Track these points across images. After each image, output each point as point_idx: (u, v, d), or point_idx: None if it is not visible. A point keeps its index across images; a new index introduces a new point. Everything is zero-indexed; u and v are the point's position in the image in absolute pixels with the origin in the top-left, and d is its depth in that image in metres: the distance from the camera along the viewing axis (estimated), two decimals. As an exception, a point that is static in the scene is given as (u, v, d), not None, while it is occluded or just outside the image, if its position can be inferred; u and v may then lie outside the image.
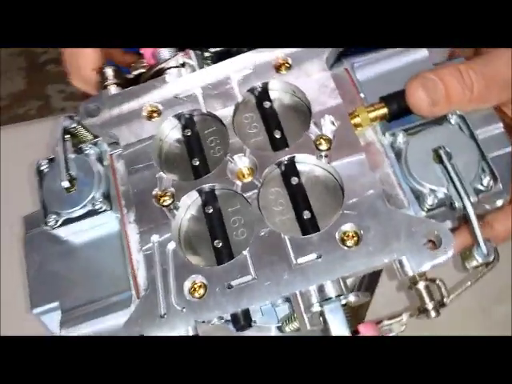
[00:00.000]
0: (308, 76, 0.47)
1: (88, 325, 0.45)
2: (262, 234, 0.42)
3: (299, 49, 0.47)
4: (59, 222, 0.47)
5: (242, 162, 0.45)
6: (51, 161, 0.50)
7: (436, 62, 0.49)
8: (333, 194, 0.44)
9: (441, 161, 0.42)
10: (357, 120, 0.45)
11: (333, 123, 0.44)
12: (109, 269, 0.47)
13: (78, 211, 0.47)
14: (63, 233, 0.48)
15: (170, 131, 0.49)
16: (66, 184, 0.47)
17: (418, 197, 0.42)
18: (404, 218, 0.40)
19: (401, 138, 0.44)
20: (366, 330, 0.37)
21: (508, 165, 0.45)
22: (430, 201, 0.42)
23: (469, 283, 0.41)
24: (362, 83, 0.49)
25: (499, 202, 0.46)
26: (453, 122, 0.44)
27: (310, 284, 0.40)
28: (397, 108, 0.44)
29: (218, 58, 0.52)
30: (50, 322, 0.47)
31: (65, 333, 0.45)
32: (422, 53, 0.49)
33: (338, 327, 0.37)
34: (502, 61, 0.44)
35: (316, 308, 0.38)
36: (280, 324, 0.45)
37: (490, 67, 0.44)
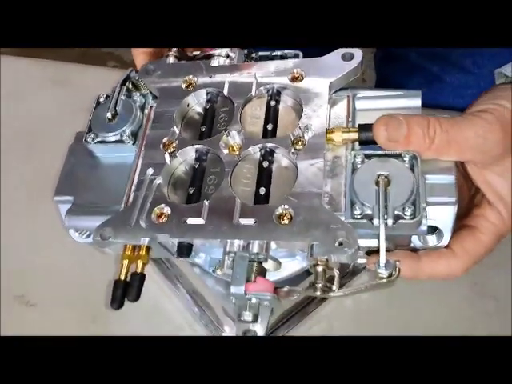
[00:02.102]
0: (312, 92, 0.58)
1: (85, 219, 0.59)
2: (224, 194, 0.53)
3: (313, 67, 0.58)
4: (95, 141, 0.62)
5: (234, 139, 0.57)
6: (107, 97, 0.65)
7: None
8: (288, 183, 0.54)
9: (377, 184, 0.50)
10: (332, 135, 0.55)
11: (312, 131, 0.55)
12: (117, 186, 0.60)
13: (110, 137, 0.62)
14: (96, 150, 0.63)
15: (197, 102, 0.62)
16: (109, 115, 0.62)
17: (353, 206, 0.51)
18: (328, 216, 0.49)
19: (359, 159, 0.53)
20: (258, 283, 0.47)
21: (450, 215, 0.52)
22: (357, 211, 0.50)
23: (362, 287, 0.48)
24: (358, 111, 0.58)
25: (431, 242, 0.54)
26: (406, 159, 0.52)
27: (239, 238, 0.50)
28: (365, 136, 0.53)
29: (260, 59, 0.65)
30: (63, 211, 0.62)
31: (67, 220, 0.59)
32: (415, 102, 0.57)
33: (237, 271, 0.47)
34: (472, 128, 0.51)
35: (232, 254, 0.49)
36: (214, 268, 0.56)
37: (457, 128, 0.52)
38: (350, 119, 0.57)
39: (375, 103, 0.59)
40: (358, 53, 0.58)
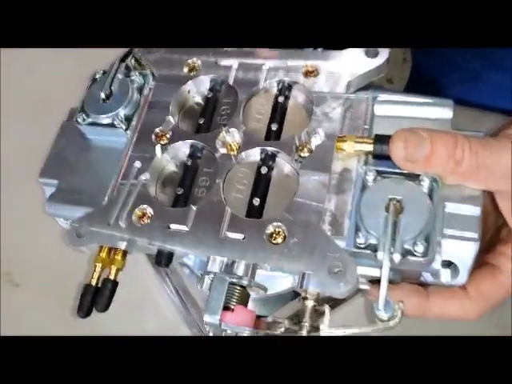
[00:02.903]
0: (326, 90, 0.50)
1: (65, 208, 0.54)
2: (214, 200, 0.48)
3: (331, 62, 0.51)
4: (86, 122, 0.57)
5: (234, 137, 0.50)
6: (105, 73, 0.59)
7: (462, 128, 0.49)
8: (287, 194, 0.47)
9: (388, 210, 0.43)
10: (343, 144, 0.48)
11: (321, 137, 0.48)
12: (106, 173, 0.55)
13: (102, 119, 0.56)
14: (87, 131, 0.57)
15: (198, 90, 0.55)
16: (102, 95, 0.56)
17: (357, 233, 0.44)
18: (325, 240, 0.43)
19: (370, 177, 0.46)
20: (237, 313, 0.41)
21: (470, 252, 0.45)
22: (360, 239, 0.43)
23: (356, 330, 0.42)
24: (376, 117, 0.51)
25: (444, 278, 0.47)
26: (424, 183, 0.44)
27: (222, 254, 0.45)
28: (381, 150, 0.46)
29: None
30: (48, 194, 0.57)
31: (47, 206, 0.55)
32: (446, 113, 0.49)
33: (213, 297, 0.42)
34: (506, 153, 0.44)
35: (212, 274, 0.43)
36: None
37: (489, 151, 0.44)
38: (366, 126, 0.50)
39: (398, 110, 0.51)
40: (383, 50, 0.50)
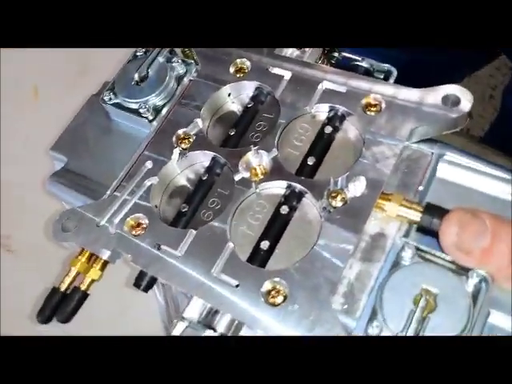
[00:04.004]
0: (384, 132, 0.41)
1: (65, 191, 0.49)
2: (217, 228, 0.40)
3: (399, 99, 0.42)
4: (111, 101, 0.51)
5: (261, 161, 0.43)
6: (147, 52, 0.52)
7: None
8: (303, 244, 0.39)
9: (416, 302, 0.34)
10: (386, 204, 0.39)
11: (362, 188, 0.39)
12: (118, 164, 0.49)
13: (129, 103, 0.50)
14: (112, 113, 0.52)
15: (239, 95, 0.48)
16: (136, 77, 0.50)
17: (371, 319, 0.36)
18: (331, 319, 0.35)
19: (408, 254, 0.37)
20: None
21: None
22: (373, 330, 0.35)
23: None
24: (436, 180, 0.41)
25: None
26: (471, 281, 0.35)
27: (206, 299, 0.38)
28: (430, 223, 0.37)
29: (337, 65, 0.49)
30: (56, 168, 0.52)
31: (48, 183, 0.50)
32: (524, 196, 0.39)
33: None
34: None
35: (183, 322, 0.36)
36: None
37: None
38: (421, 188, 0.41)
39: (466, 177, 0.41)
40: (466, 97, 0.40)
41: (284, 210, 0.41)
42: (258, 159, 0.43)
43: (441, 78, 0.77)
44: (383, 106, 0.42)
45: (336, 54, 0.50)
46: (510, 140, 0.81)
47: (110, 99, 0.51)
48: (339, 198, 0.39)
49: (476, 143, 0.74)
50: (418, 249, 0.37)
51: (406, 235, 0.39)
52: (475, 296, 0.35)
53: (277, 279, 0.37)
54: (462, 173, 0.41)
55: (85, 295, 0.41)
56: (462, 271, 0.36)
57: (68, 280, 0.42)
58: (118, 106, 0.50)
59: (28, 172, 0.73)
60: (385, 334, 0.35)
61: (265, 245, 0.39)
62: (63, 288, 0.41)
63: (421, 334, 0.34)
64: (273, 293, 0.37)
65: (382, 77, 0.48)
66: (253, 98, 0.47)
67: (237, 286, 0.38)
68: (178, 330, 0.37)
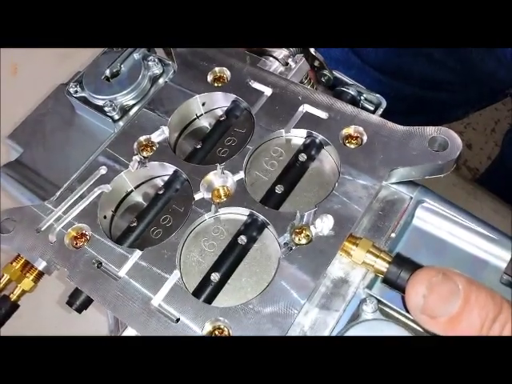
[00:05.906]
0: (361, 168, 0.38)
1: (15, 186, 0.45)
2: (165, 252, 0.36)
3: (383, 134, 0.38)
4: (77, 95, 0.47)
5: (225, 182, 0.39)
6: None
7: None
8: (257, 280, 0.36)
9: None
10: (352, 248, 0.35)
11: (329, 227, 0.35)
12: (75, 162, 0.45)
13: (94, 99, 0.46)
14: (77, 106, 0.48)
15: (214, 106, 0.44)
16: (107, 72, 0.46)
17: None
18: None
19: (370, 307, 0.33)
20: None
21: None
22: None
23: None
24: (412, 228, 0.38)
25: None
26: (434, 348, 0.31)
27: (140, 333, 0.34)
28: (396, 278, 0.33)
29: (328, 88, 0.46)
30: (12, 157, 0.48)
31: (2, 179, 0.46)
32: (503, 253, 0.36)
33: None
34: None
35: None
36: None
37: None
38: (393, 235, 0.37)
39: (444, 228, 0.38)
40: (455, 143, 0.36)
41: (242, 240, 0.37)
42: (222, 179, 0.39)
43: (444, 114, 0.74)
44: (364, 139, 0.39)
45: (326, 72, 0.46)
46: (506, 183, 0.78)
47: (76, 92, 0.47)
48: (303, 234, 0.36)
49: (467, 181, 0.71)
50: (380, 302, 0.34)
51: (370, 286, 0.35)
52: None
53: (221, 318, 0.33)
54: (440, 223, 0.38)
55: (14, 306, 0.37)
56: (426, 333, 0.32)
57: (-3, 287, 0.38)
58: (84, 100, 0.47)
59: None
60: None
61: (215, 277, 0.36)
62: (-9, 296, 0.37)
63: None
64: (216, 332, 0.33)
65: (371, 107, 0.45)
66: (227, 112, 0.43)
67: (177, 320, 0.34)
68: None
